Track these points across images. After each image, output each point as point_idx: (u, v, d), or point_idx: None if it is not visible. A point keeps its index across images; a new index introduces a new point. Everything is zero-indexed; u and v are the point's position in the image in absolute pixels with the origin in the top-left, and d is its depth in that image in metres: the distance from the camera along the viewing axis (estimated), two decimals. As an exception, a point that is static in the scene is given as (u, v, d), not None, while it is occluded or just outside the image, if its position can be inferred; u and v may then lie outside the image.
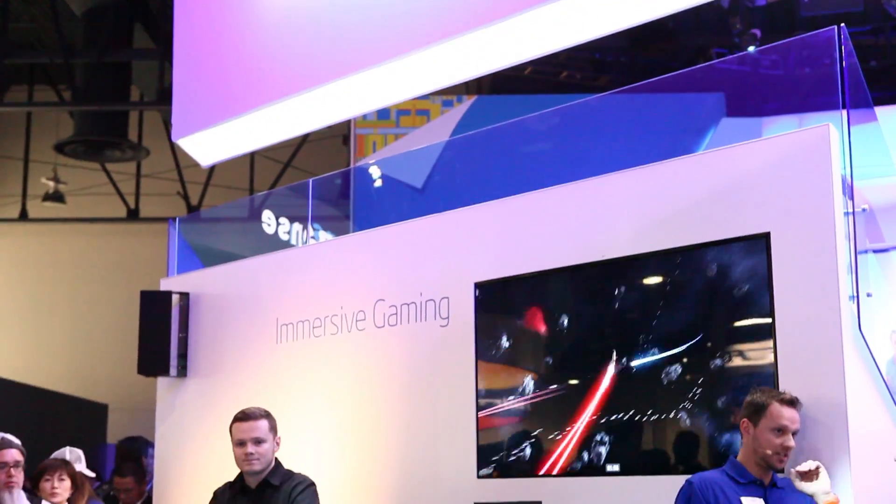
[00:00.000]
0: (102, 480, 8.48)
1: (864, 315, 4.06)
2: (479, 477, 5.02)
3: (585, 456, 4.65)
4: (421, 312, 5.45)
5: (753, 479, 3.88)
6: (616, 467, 4.53)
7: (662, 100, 6.62)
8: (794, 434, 3.86)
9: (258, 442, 4.51)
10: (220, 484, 4.69)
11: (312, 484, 4.55)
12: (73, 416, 14.11)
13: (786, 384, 4.04)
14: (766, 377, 4.11)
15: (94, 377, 15.63)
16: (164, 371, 6.72)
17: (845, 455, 3.90)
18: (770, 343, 4.13)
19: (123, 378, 11.18)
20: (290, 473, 4.58)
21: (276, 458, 4.62)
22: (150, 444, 8.06)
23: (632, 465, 4.49)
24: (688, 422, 4.34)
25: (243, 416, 4.59)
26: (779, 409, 3.86)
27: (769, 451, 3.84)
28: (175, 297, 6.76)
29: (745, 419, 3.94)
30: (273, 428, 4.61)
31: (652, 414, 4.45)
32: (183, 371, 6.72)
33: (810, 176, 4.15)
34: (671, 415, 4.39)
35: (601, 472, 4.58)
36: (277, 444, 4.63)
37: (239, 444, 4.54)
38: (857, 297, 4.04)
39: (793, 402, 3.88)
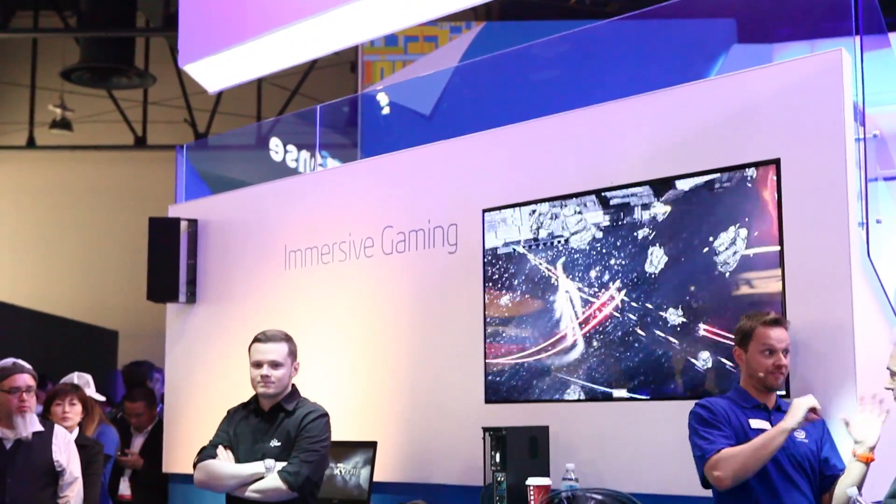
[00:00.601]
0: (112, 405, 8.58)
1: (874, 242, 4.05)
2: (486, 402, 5.06)
3: (591, 381, 4.68)
4: (429, 239, 5.46)
5: (757, 403, 3.91)
6: (623, 392, 4.56)
7: (672, 26, 6.54)
8: (785, 353, 3.88)
9: (275, 365, 4.44)
10: (231, 406, 4.68)
11: (326, 414, 4.51)
12: (83, 343, 14.23)
13: (793, 311, 4.05)
14: (774, 305, 4.13)
15: (103, 304, 15.71)
16: (174, 297, 6.75)
17: (851, 381, 3.92)
18: (778, 272, 4.13)
19: (133, 305, 11.25)
20: (305, 401, 4.55)
21: (293, 384, 4.57)
22: (156, 369, 8.13)
23: (638, 390, 4.52)
24: (693, 350, 4.36)
25: (263, 338, 4.51)
26: (764, 331, 3.88)
27: (762, 374, 3.87)
28: (183, 224, 6.77)
29: (736, 347, 3.98)
30: (292, 353, 4.53)
31: (658, 341, 4.47)
32: (192, 297, 6.75)
33: (822, 102, 4.11)
34: (677, 342, 4.41)
35: (608, 397, 4.61)
36: (296, 369, 4.56)
37: (255, 365, 4.47)
38: (867, 223, 4.04)
39: (778, 322, 3.90)
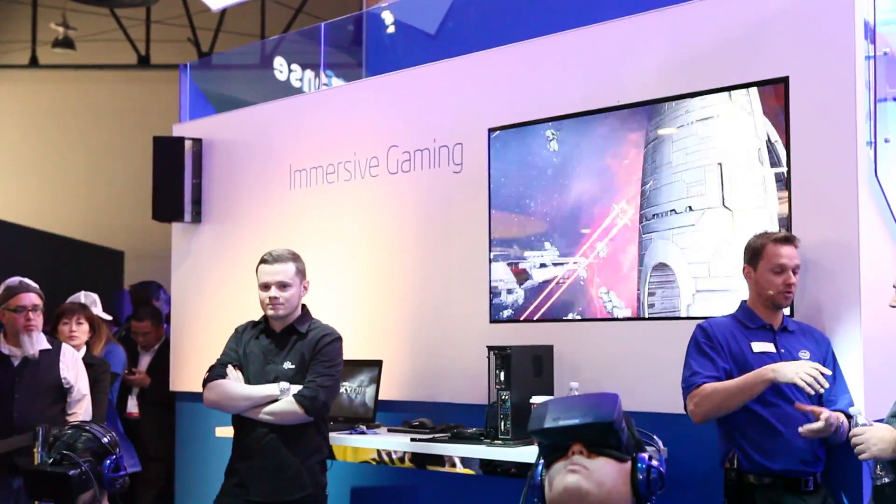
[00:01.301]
0: (119, 325, 8.62)
1: (881, 161, 4.02)
2: (491, 322, 5.08)
3: (596, 300, 4.69)
4: (434, 159, 5.43)
5: (763, 323, 3.91)
6: (627, 312, 4.57)
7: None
8: (795, 271, 3.87)
9: (283, 286, 4.37)
10: (239, 324, 4.65)
11: (340, 338, 4.48)
12: (89, 263, 14.26)
13: (799, 230, 4.04)
14: (780, 225, 4.12)
15: (109, 224, 15.72)
16: (179, 217, 6.74)
17: (856, 299, 3.92)
18: (785, 194, 4.12)
19: (138, 225, 11.25)
20: (317, 322, 4.51)
21: (303, 305, 4.52)
22: (162, 289, 8.16)
23: (642, 309, 4.53)
24: (697, 270, 4.36)
25: (270, 259, 4.42)
26: (775, 249, 3.87)
27: (772, 292, 3.87)
28: (188, 143, 6.74)
29: (745, 266, 3.96)
30: (301, 272, 4.45)
31: (664, 260, 4.47)
32: (197, 217, 6.75)
33: (832, 19, 4.06)
34: (681, 264, 4.41)
35: (612, 317, 4.63)
36: (305, 289, 4.49)
37: (263, 287, 4.40)
38: (875, 143, 4.01)
39: (788, 240, 3.89)
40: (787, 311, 4.03)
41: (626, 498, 2.21)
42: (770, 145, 4.16)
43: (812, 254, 4.01)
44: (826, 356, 3.93)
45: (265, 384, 4.35)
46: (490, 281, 5.09)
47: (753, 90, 4.22)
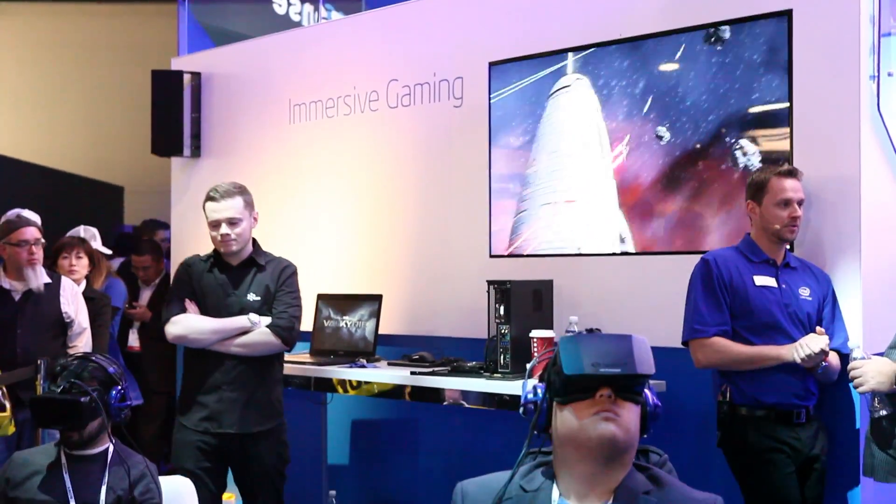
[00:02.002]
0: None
1: (884, 95, 4.00)
2: (491, 256, 5.08)
3: (597, 235, 4.69)
4: (434, 93, 5.40)
5: (766, 258, 3.92)
6: (629, 247, 4.58)
7: None
8: (800, 204, 3.87)
9: (232, 222, 4.30)
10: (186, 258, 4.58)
11: (296, 270, 4.50)
12: (88, 199, 14.22)
13: (800, 164, 4.03)
14: (781, 160, 4.11)
15: (108, 159, 15.66)
16: (178, 151, 6.72)
17: (856, 234, 3.92)
18: (787, 130, 4.10)
19: (138, 160, 11.20)
20: (271, 254, 4.50)
21: (253, 237, 4.47)
22: (163, 226, 8.16)
23: (644, 243, 4.53)
24: (699, 206, 4.35)
25: (216, 195, 4.32)
26: (779, 183, 3.86)
27: (778, 226, 3.86)
28: (186, 77, 6.70)
29: (749, 201, 3.95)
30: (249, 204, 4.38)
31: (665, 197, 4.46)
32: (196, 151, 6.73)
33: (837, -49, 4.01)
34: (684, 198, 4.40)
35: (612, 251, 4.63)
36: (255, 220, 4.43)
37: (213, 225, 4.33)
38: (878, 77, 3.98)
39: (792, 173, 3.87)
40: (788, 246, 4.03)
41: (639, 436, 2.23)
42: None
43: (813, 188, 4.00)
44: (826, 294, 3.94)
45: (230, 317, 4.33)
46: (490, 215, 5.09)
47: (756, 23, 4.18)
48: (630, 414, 2.16)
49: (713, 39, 4.32)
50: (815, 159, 4.03)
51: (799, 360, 3.70)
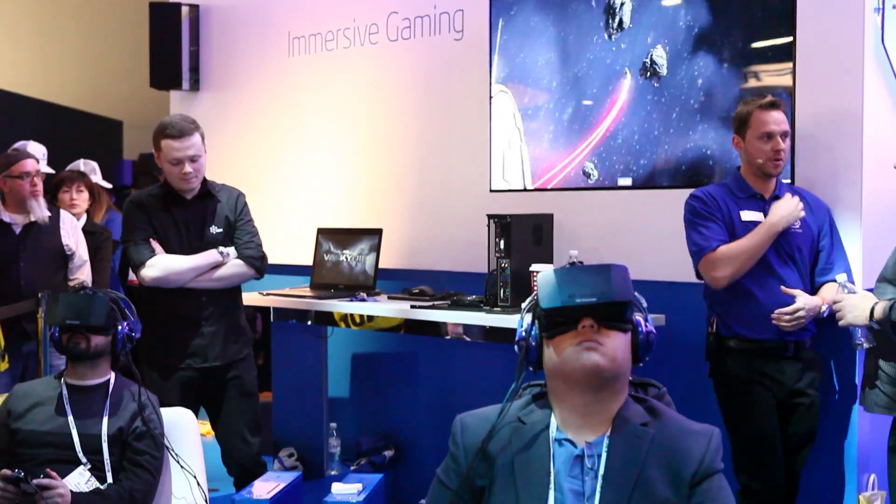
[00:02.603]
0: (120, 194, 8.62)
1: (889, 28, 3.96)
2: (491, 191, 5.08)
3: (598, 170, 4.68)
4: (435, 25, 5.35)
5: (753, 192, 3.90)
6: (628, 181, 4.57)
7: None
8: (784, 136, 3.83)
9: (194, 159, 4.26)
10: (138, 197, 4.46)
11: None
12: (87, 133, 14.17)
13: (803, 98, 4.01)
14: (783, 94, 4.08)
15: (107, 93, 15.58)
16: (177, 85, 6.69)
17: (857, 168, 3.91)
18: (790, 65, 4.07)
19: (137, 94, 11.16)
20: (216, 182, 4.47)
21: None
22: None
23: (643, 179, 4.52)
24: (700, 137, 4.34)
25: (176, 133, 4.23)
26: (761, 116, 3.82)
27: (761, 160, 3.83)
28: (185, 9, 6.64)
29: (735, 135, 3.93)
30: (203, 137, 4.32)
31: (665, 133, 4.45)
32: (195, 85, 6.69)
33: None
34: (685, 131, 4.38)
35: (612, 185, 4.63)
36: (205, 152, 4.38)
37: (175, 162, 4.25)
38: (883, 9, 3.94)
39: (774, 105, 3.83)
40: (788, 178, 4.02)
41: (629, 365, 2.25)
42: (776, 12, 4.08)
43: (815, 122, 3.99)
44: (823, 223, 3.93)
45: (199, 253, 4.31)
46: (490, 150, 5.07)
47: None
48: (615, 342, 2.18)
49: (716, -29, 4.28)
50: (818, 93, 4.00)
51: (787, 218, 3.76)
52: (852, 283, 3.68)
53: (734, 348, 3.87)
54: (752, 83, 4.21)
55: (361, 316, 4.93)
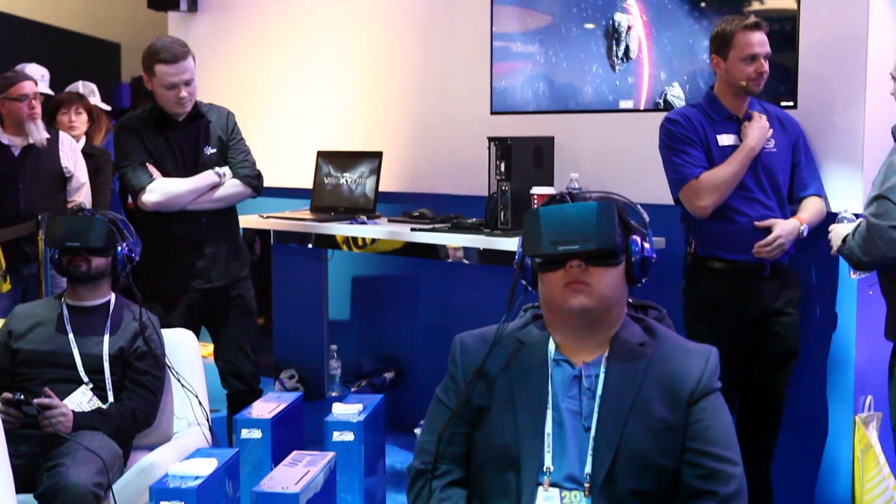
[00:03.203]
0: (119, 117, 8.57)
1: (895, -52, 3.91)
2: (492, 113, 5.05)
3: (598, 92, 4.65)
4: (435, -55, 5.29)
5: (729, 114, 3.84)
6: (629, 104, 4.54)
7: None
8: (766, 58, 3.76)
9: (189, 83, 4.23)
10: (128, 122, 4.43)
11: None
12: (85, 55, 14.07)
13: (806, 24, 3.97)
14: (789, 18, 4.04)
15: (105, 15, 15.42)
16: (175, 6, 6.61)
17: (861, 91, 3.88)
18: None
19: (134, 15, 11.02)
20: (203, 102, 4.42)
21: None
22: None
23: (648, 99, 4.50)
24: (706, 63, 4.31)
25: (169, 58, 4.18)
26: (745, 37, 3.73)
27: (744, 82, 3.77)
28: (182, -72, 6.55)
29: (713, 55, 3.84)
30: (194, 59, 4.30)
31: (666, 50, 4.41)
32: (193, 6, 6.62)
33: None
34: (691, 55, 4.35)
35: (614, 108, 4.60)
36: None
37: (169, 87, 4.20)
38: (890, -71, 3.89)
39: (758, 26, 3.74)
40: (791, 102, 3.99)
41: (624, 293, 2.25)
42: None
43: (819, 46, 3.95)
44: (796, 140, 3.91)
45: (196, 174, 4.30)
46: (492, 71, 5.03)
47: None
48: (603, 280, 2.17)
49: None
50: (822, 17, 3.95)
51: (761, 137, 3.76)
52: (855, 215, 3.67)
53: (710, 269, 3.87)
54: (756, 6, 4.16)
55: (363, 238, 4.93)
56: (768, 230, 3.78)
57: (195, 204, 4.30)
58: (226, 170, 4.35)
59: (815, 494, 4.07)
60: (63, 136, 5.20)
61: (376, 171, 5.23)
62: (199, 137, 4.35)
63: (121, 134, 4.37)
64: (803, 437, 4.06)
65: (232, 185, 4.35)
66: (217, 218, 4.38)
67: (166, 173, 4.29)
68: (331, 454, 2.55)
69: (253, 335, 4.51)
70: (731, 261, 3.84)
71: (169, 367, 3.61)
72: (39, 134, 5.00)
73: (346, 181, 5.34)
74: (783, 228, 3.76)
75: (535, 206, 4.29)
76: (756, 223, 3.79)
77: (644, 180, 4.36)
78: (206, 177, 4.30)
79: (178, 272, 4.33)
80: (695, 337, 3.83)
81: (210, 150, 4.35)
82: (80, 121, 5.84)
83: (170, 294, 4.31)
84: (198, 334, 4.32)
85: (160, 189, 4.25)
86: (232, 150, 4.40)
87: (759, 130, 3.78)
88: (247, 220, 5.11)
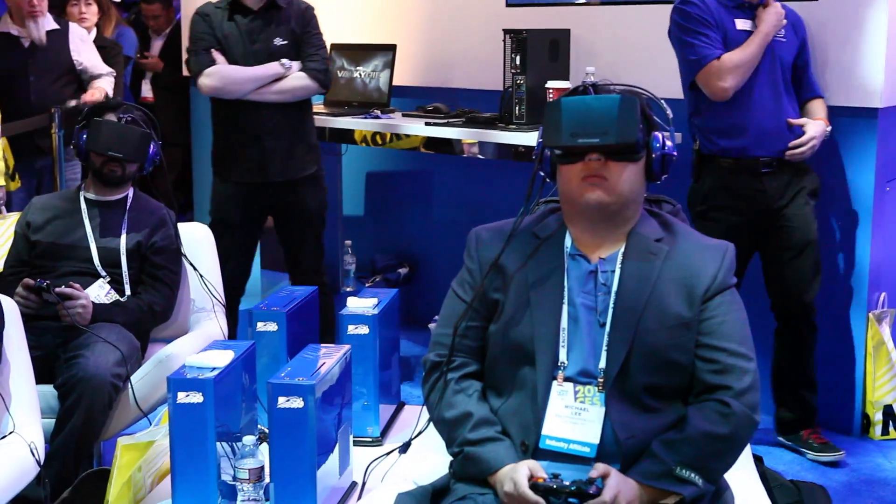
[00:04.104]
0: (129, 10, 8.48)
1: None
2: (507, 5, 4.97)
3: (617, -16, 4.58)
4: None
5: (742, 1, 3.81)
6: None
7: None
8: None
9: None
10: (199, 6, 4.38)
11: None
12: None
13: None
14: None
15: None
16: None
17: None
18: None
19: None
20: None
21: None
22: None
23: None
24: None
25: None
26: None
27: None
28: None
29: None
30: None
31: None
32: None
33: None
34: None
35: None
36: None
37: None
38: None
39: None
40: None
41: (642, 189, 2.23)
42: None
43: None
44: (803, 40, 3.89)
45: (262, 64, 4.23)
46: (507, -38, 4.95)
47: None
48: (622, 175, 2.15)
49: None
50: None
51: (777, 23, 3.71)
52: None
53: (712, 165, 3.85)
54: None
55: (383, 136, 4.87)
56: (784, 127, 3.75)
57: (258, 94, 4.22)
58: (293, 63, 4.25)
59: (827, 388, 4.10)
60: (73, 27, 5.15)
61: (390, 65, 5.18)
62: (272, 28, 4.26)
63: (193, 19, 4.33)
64: (817, 333, 4.07)
65: (297, 78, 4.24)
66: (280, 112, 4.28)
67: (233, 61, 4.24)
68: (346, 347, 2.57)
69: (313, 236, 4.44)
70: (734, 157, 3.81)
71: (187, 260, 3.62)
72: (39, 32, 4.94)
73: (360, 75, 5.29)
74: (816, 129, 3.74)
75: (551, 100, 4.26)
76: (789, 120, 3.75)
77: (662, 74, 4.30)
78: (270, 67, 4.22)
79: (236, 162, 4.31)
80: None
81: (280, 42, 4.26)
82: (91, 12, 5.77)
83: (228, 183, 4.33)
84: (259, 227, 4.33)
85: (218, 74, 4.21)
86: (304, 44, 4.27)
87: (774, 17, 3.75)
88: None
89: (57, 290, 3.25)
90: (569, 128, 2.13)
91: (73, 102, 4.97)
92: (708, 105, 3.82)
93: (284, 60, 4.23)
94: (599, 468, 2.05)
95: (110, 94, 5.03)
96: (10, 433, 2.70)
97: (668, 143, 2.22)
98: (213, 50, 4.23)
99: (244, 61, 4.24)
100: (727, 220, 3.81)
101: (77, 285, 3.31)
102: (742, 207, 3.83)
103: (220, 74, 4.21)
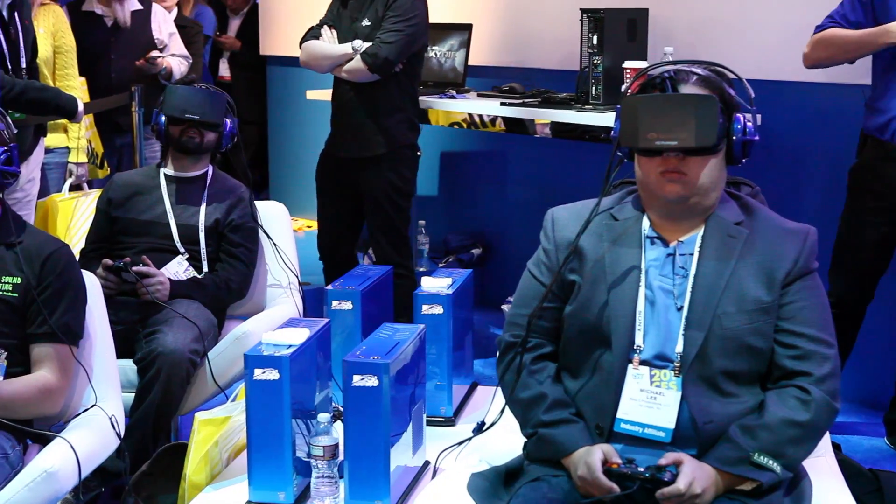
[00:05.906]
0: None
1: None
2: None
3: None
4: None
5: None
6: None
7: None
8: None
9: None
10: None
11: None
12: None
13: None
14: None
15: None
16: None
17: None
18: None
19: None
20: None
21: None
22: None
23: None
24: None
25: None
26: None
27: None
28: None
29: None
30: None
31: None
32: None
33: None
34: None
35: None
36: None
37: None
38: None
39: None
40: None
41: (723, 176, 2.19)
42: None
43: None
44: None
45: (346, 43, 4.30)
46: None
47: None
48: (700, 168, 2.11)
49: None
50: None
51: None
52: None
53: (871, 147, 3.62)
54: None
55: (451, 112, 4.85)
56: None
57: (337, 72, 4.35)
58: (364, 45, 4.25)
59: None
60: (156, 7, 5.20)
61: (466, 45, 5.17)
62: (364, 9, 4.33)
63: None
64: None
65: (356, 60, 4.26)
66: (354, 90, 4.34)
67: (341, 38, 4.35)
68: (420, 326, 2.57)
69: (379, 219, 4.42)
70: (888, 141, 3.55)
71: (266, 236, 3.65)
72: (124, 13, 5.00)
73: (436, 54, 5.28)
74: None
75: (628, 80, 4.21)
76: None
77: (741, 54, 4.24)
78: (342, 47, 4.31)
79: (330, 135, 4.49)
80: (844, 213, 3.67)
81: (365, 23, 4.31)
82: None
83: (324, 152, 4.50)
84: (347, 202, 4.41)
85: (306, 50, 4.41)
86: (380, 28, 4.26)
87: None
88: (327, 93, 5.09)
89: (134, 269, 3.30)
90: (645, 129, 2.09)
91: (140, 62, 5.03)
92: (873, 82, 3.63)
93: (356, 42, 4.26)
94: (670, 456, 2.03)
95: (175, 73, 5.08)
96: (92, 406, 2.74)
97: (749, 124, 2.19)
98: (326, 26, 4.38)
99: (343, 39, 4.34)
100: (872, 205, 3.62)
101: (150, 262, 3.36)
102: (885, 193, 3.60)
103: (307, 50, 4.40)
